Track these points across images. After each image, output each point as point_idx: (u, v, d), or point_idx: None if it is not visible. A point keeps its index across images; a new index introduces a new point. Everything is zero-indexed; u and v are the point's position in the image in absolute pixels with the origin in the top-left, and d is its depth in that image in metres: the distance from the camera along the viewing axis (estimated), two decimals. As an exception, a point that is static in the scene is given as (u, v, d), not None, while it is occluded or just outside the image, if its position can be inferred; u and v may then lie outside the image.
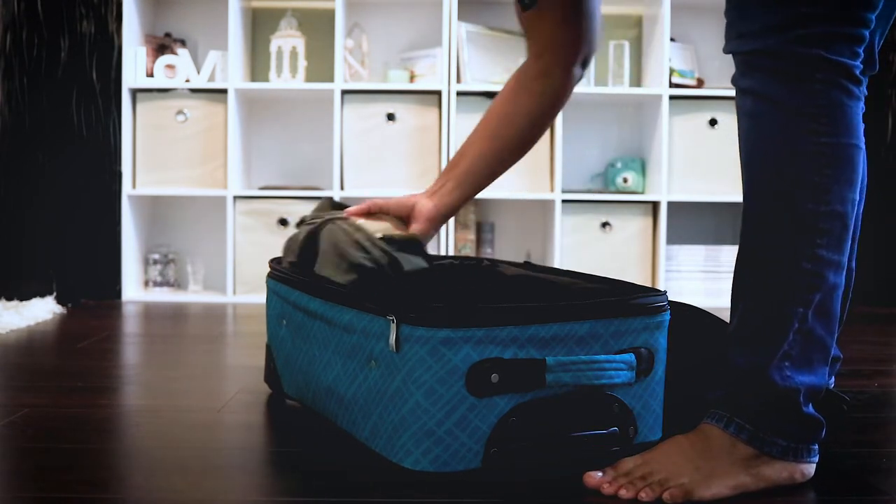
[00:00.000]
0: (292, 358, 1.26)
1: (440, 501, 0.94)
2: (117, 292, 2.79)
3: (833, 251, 0.96)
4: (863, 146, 0.98)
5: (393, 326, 0.97)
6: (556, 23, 1.25)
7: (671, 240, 2.94)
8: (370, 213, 1.31)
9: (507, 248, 3.04)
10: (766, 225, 0.99)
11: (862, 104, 0.99)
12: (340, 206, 1.36)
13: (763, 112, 0.98)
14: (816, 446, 1.01)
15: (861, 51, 0.97)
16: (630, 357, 1.03)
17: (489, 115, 1.31)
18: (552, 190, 2.83)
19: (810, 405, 0.99)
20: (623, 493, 0.96)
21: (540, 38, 1.27)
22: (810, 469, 1.00)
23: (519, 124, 1.29)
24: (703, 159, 2.86)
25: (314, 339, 1.18)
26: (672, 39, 2.92)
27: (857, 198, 0.99)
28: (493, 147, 1.30)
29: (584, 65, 1.29)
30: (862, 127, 0.98)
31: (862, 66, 0.98)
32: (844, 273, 0.99)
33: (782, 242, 0.97)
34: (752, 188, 1.01)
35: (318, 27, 2.98)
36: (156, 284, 2.92)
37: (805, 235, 0.96)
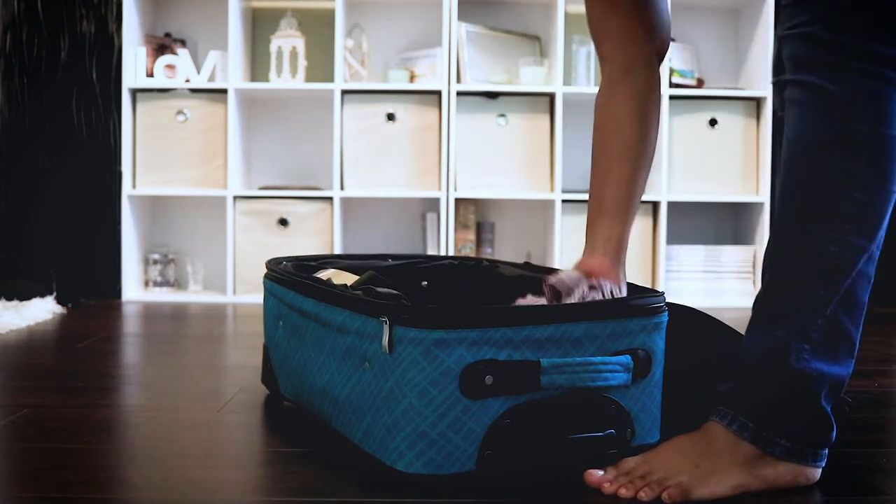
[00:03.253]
0: (288, 359, 1.26)
1: (434, 503, 0.94)
2: (117, 292, 2.79)
3: (862, 237, 0.96)
4: None
5: (386, 328, 0.97)
6: (626, 13, 1.15)
7: (671, 240, 2.94)
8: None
9: (507, 248, 3.04)
10: (796, 207, 0.98)
11: None
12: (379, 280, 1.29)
13: (807, 99, 0.98)
14: (825, 451, 0.99)
15: None
16: (626, 359, 1.03)
17: (596, 144, 1.18)
18: (552, 190, 2.83)
19: (828, 402, 0.97)
20: (623, 492, 0.96)
21: (612, 37, 1.17)
22: (815, 473, 0.99)
23: (624, 131, 1.15)
24: (703, 159, 2.86)
25: (309, 341, 1.18)
26: (672, 39, 2.92)
27: (894, 189, 0.97)
28: (623, 168, 1.15)
29: (660, 58, 1.19)
30: None
31: None
32: (874, 264, 0.98)
33: (809, 223, 0.97)
34: (787, 171, 1.00)
35: (318, 27, 2.98)
36: (156, 284, 2.92)
37: (833, 219, 0.95)
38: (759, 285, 1.04)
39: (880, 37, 0.94)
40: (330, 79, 2.90)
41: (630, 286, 1.16)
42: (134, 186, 2.84)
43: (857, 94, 0.95)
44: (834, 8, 0.95)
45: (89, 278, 2.79)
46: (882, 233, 0.98)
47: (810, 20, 0.97)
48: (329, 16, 2.88)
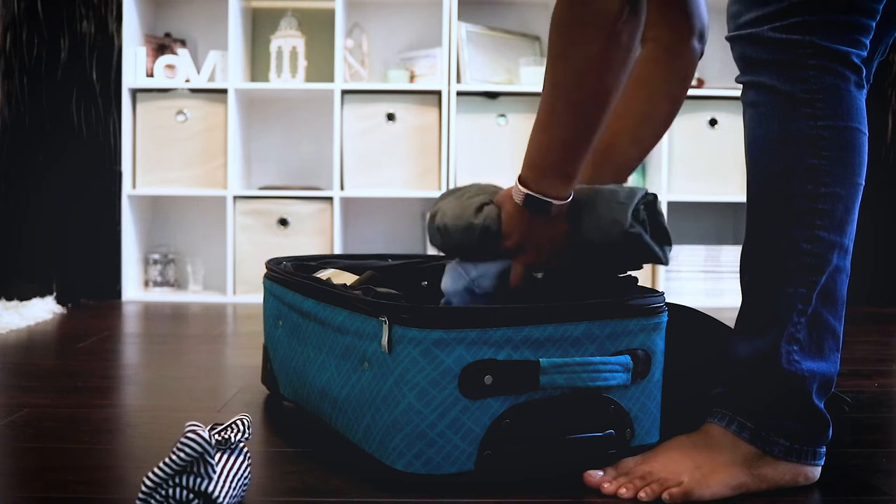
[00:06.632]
0: (288, 359, 1.26)
1: (433, 502, 0.94)
2: (117, 292, 2.79)
3: (834, 233, 0.96)
4: (865, 130, 0.98)
5: (385, 327, 0.97)
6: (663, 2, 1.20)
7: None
8: None
9: (507, 248, 3.04)
10: (765, 209, 0.99)
11: (863, 91, 0.99)
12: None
13: (762, 100, 0.99)
14: (823, 449, 0.99)
15: (864, 40, 0.96)
16: (626, 359, 1.03)
17: (626, 104, 1.23)
18: (552, 190, 2.82)
19: (820, 399, 0.97)
20: (623, 492, 0.96)
21: (654, 20, 1.21)
22: (815, 472, 0.99)
23: (658, 101, 1.23)
24: (703, 159, 2.86)
25: (309, 341, 1.18)
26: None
27: (862, 181, 0.98)
28: (637, 131, 1.24)
29: (702, 40, 1.24)
30: (864, 112, 0.98)
31: (864, 53, 0.97)
32: (849, 257, 0.98)
33: (780, 224, 0.97)
34: (753, 174, 1.01)
35: (318, 27, 2.98)
36: (156, 284, 2.92)
37: (803, 217, 0.95)
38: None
39: (832, 34, 0.94)
40: (330, 79, 2.90)
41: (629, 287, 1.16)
42: (134, 186, 2.84)
43: (814, 91, 0.95)
44: (784, 7, 0.94)
45: (89, 278, 2.79)
46: (853, 226, 0.98)
47: (759, 19, 0.96)
48: (329, 16, 2.88)
